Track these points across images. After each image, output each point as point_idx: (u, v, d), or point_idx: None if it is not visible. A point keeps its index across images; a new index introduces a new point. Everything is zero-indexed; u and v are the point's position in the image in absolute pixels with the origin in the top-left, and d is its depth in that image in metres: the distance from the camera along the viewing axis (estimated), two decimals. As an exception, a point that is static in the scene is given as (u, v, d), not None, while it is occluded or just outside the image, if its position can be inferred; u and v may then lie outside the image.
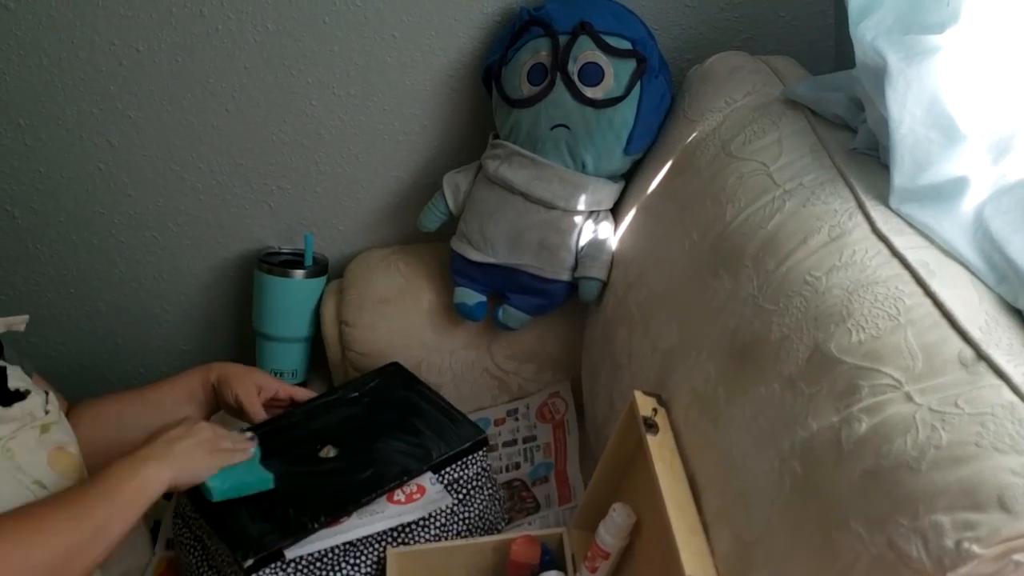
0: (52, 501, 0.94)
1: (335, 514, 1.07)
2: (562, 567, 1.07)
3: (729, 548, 0.83)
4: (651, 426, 0.96)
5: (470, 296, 1.38)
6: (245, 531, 1.03)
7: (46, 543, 0.88)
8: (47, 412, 1.05)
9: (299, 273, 1.48)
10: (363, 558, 1.07)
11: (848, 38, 1.00)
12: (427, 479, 1.13)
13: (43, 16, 1.33)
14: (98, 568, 1.03)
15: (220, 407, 1.23)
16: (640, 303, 1.17)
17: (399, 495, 1.11)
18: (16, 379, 1.05)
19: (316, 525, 1.05)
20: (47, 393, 1.08)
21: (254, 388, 1.21)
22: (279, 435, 1.18)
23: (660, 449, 0.94)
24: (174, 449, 1.01)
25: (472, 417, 1.40)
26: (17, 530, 0.88)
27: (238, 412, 1.21)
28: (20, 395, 1.03)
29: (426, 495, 1.11)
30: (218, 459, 1.05)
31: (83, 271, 1.55)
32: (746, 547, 0.80)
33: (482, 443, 1.18)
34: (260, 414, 1.20)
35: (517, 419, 1.42)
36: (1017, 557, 0.60)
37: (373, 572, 1.07)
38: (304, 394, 1.26)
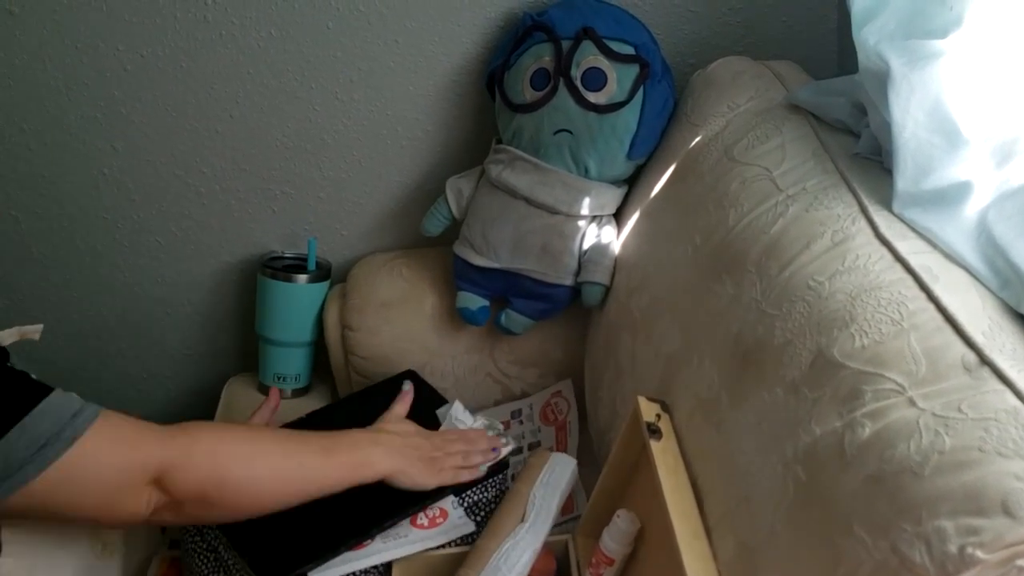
0: (279, 432, 1.01)
1: (359, 538, 1.06)
2: (567, 575, 1.07)
3: (732, 553, 0.83)
4: (655, 431, 0.96)
5: (473, 300, 1.38)
6: (268, 550, 1.03)
7: (253, 455, 0.95)
8: None
9: (302, 278, 1.49)
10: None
11: (851, 43, 1.00)
12: (449, 503, 1.13)
13: (47, 21, 1.33)
14: (106, 548, 1.05)
15: None
16: (643, 308, 1.17)
17: (422, 519, 1.10)
18: None
19: (342, 548, 1.04)
20: None
21: None
22: None
23: (664, 455, 0.93)
24: (407, 452, 1.06)
25: (475, 419, 1.41)
26: (238, 436, 0.96)
27: None
28: None
29: (448, 520, 1.11)
30: (439, 480, 1.08)
31: (86, 276, 1.56)
32: (749, 552, 0.80)
33: (503, 467, 1.18)
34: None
35: (521, 422, 1.42)
36: (1021, 562, 0.60)
37: None
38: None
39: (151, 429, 0.90)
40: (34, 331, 1.11)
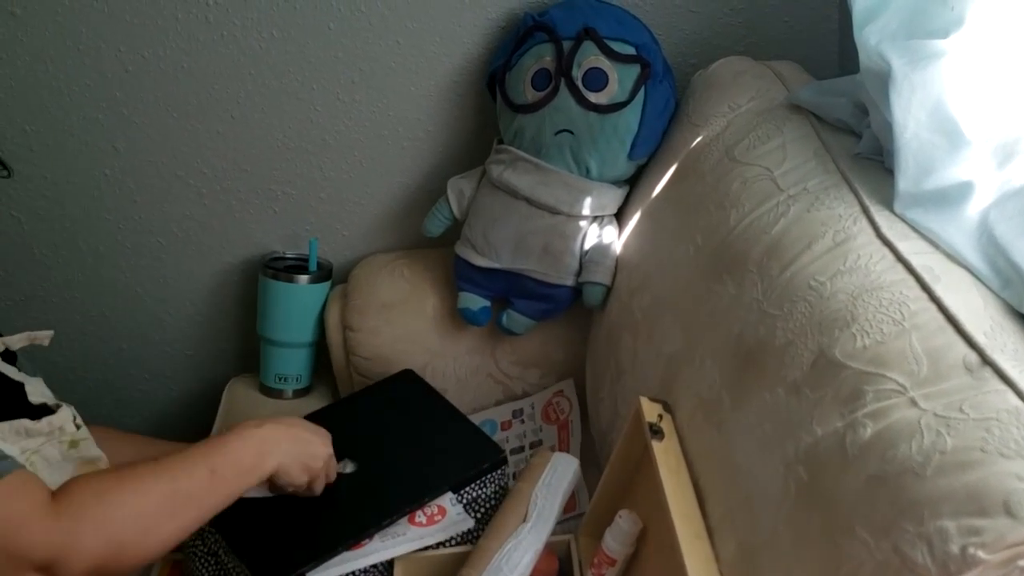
0: (159, 465, 0.93)
1: (357, 537, 1.06)
2: (570, 575, 1.07)
3: (734, 554, 0.83)
4: (657, 432, 0.96)
5: (474, 301, 1.38)
6: (267, 553, 1.03)
7: (142, 508, 0.88)
8: (78, 427, 1.03)
9: (304, 278, 1.49)
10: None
11: (852, 43, 1.00)
12: (447, 500, 1.12)
13: (49, 22, 1.33)
14: None
15: None
16: (644, 308, 1.17)
17: (420, 516, 1.10)
18: (39, 394, 1.03)
19: (340, 548, 1.04)
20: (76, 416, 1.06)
21: None
22: None
23: (666, 455, 0.93)
24: (292, 445, 1.01)
25: (478, 419, 1.41)
26: (123, 490, 0.88)
27: None
28: (49, 409, 1.01)
29: (447, 517, 1.11)
30: (303, 481, 1.04)
31: (88, 276, 1.56)
32: (751, 553, 0.80)
33: (501, 462, 1.18)
34: None
35: (523, 421, 1.42)
36: (1023, 563, 0.60)
37: None
38: None
39: (44, 510, 0.82)
40: (44, 336, 1.09)
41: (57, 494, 0.84)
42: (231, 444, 0.97)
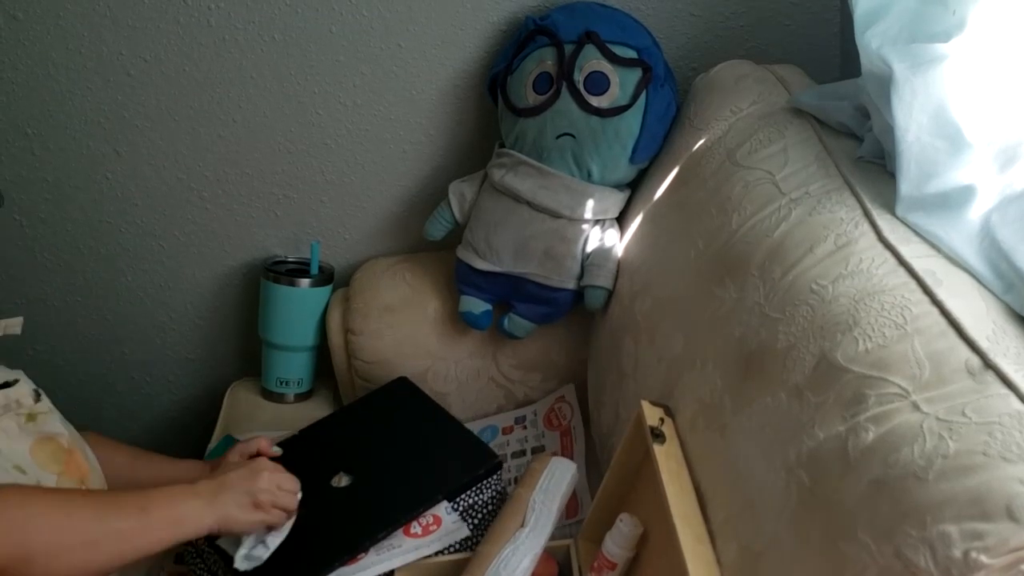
0: (91, 493, 0.93)
1: (353, 552, 1.06)
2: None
3: (736, 558, 0.83)
4: (658, 436, 0.95)
5: (476, 305, 1.38)
6: (264, 571, 1.02)
7: (62, 525, 0.86)
8: (38, 401, 1.03)
9: (305, 282, 1.49)
10: None
11: (854, 46, 1.00)
12: (443, 509, 1.12)
13: (51, 26, 1.34)
14: None
15: None
16: (646, 312, 1.16)
17: (415, 527, 1.10)
18: (2, 374, 1.04)
19: (336, 564, 1.04)
20: (38, 392, 1.06)
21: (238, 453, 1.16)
22: (291, 460, 1.18)
23: (667, 459, 0.93)
24: (224, 497, 0.98)
25: (479, 425, 1.41)
26: (48, 504, 0.87)
27: None
28: (5, 384, 1.02)
29: (443, 526, 1.11)
30: (260, 517, 1.02)
31: (90, 280, 1.56)
32: (753, 557, 0.80)
33: (496, 468, 1.18)
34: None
35: (525, 427, 1.42)
36: (1026, 567, 0.59)
37: None
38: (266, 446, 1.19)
39: None
40: (15, 324, 1.09)
41: None
42: (169, 493, 0.96)
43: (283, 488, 1.04)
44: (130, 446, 1.17)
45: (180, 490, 0.97)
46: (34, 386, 1.06)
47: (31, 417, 1.02)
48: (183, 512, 0.95)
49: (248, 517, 1.01)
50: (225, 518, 0.98)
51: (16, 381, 1.03)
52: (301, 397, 1.55)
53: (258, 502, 1.01)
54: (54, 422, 1.04)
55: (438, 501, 1.12)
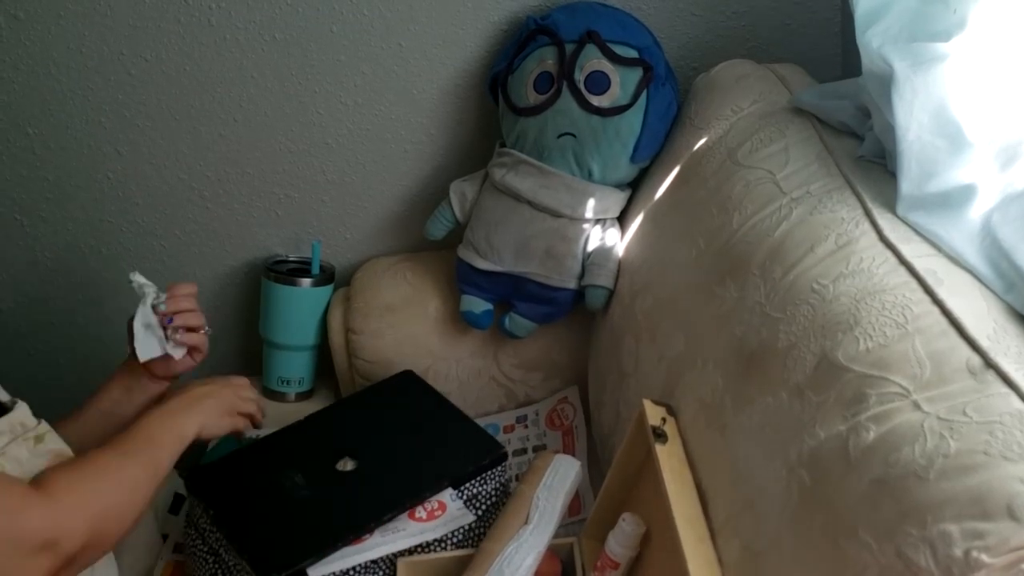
0: (102, 451, 0.97)
1: (358, 532, 1.06)
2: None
3: (737, 557, 0.83)
4: (660, 435, 0.96)
5: (476, 304, 1.38)
6: (267, 548, 1.03)
7: (108, 488, 0.94)
8: (38, 421, 1.02)
9: (306, 281, 1.49)
10: (382, 574, 1.06)
11: (854, 45, 1.00)
12: (448, 495, 1.13)
13: (52, 26, 1.34)
14: (111, 560, 1.04)
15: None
16: (646, 311, 1.17)
17: (420, 512, 1.11)
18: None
19: (340, 543, 1.04)
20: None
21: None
22: (295, 444, 1.18)
23: (669, 458, 0.93)
24: (202, 404, 1.07)
25: (481, 423, 1.40)
26: (89, 473, 0.94)
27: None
28: (4, 408, 1.01)
29: (447, 512, 1.11)
30: (234, 422, 1.11)
31: (91, 279, 1.56)
32: (754, 556, 0.80)
33: (502, 458, 1.18)
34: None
35: (527, 426, 1.42)
36: (1027, 566, 0.59)
37: None
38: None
39: (34, 498, 0.88)
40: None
41: (37, 483, 0.90)
42: (160, 418, 1.04)
43: (244, 396, 1.14)
44: (74, 414, 1.17)
45: (159, 418, 1.04)
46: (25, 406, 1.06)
47: (39, 439, 1.01)
48: (179, 431, 1.04)
49: (225, 421, 1.10)
50: (205, 423, 1.07)
51: (15, 403, 1.03)
52: (302, 396, 1.55)
53: (227, 410, 1.11)
54: (56, 438, 1.04)
55: (443, 487, 1.12)
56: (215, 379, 1.14)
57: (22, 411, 1.02)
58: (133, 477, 0.96)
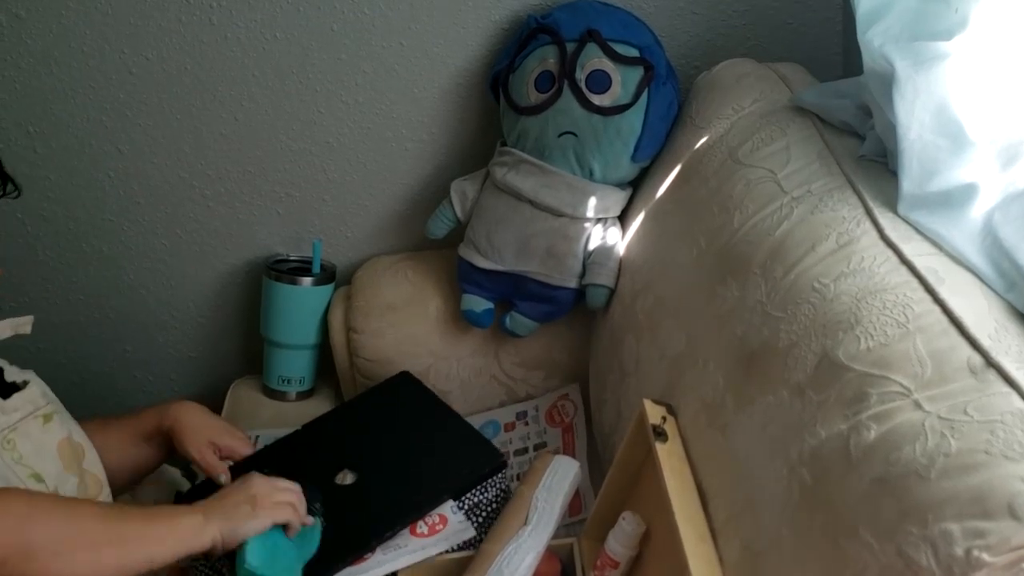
0: (97, 502, 0.96)
1: (359, 552, 1.06)
2: (572, 577, 1.07)
3: (738, 557, 0.83)
4: (660, 434, 0.96)
5: (477, 303, 1.38)
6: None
7: (65, 524, 0.87)
8: (47, 402, 1.04)
9: (307, 280, 1.49)
10: None
11: (855, 45, 1.00)
12: (448, 508, 1.12)
13: (53, 25, 1.34)
14: None
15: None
16: (647, 310, 1.17)
17: (421, 527, 1.10)
18: (13, 374, 1.05)
19: (342, 564, 1.04)
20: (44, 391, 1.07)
21: (208, 446, 1.16)
22: (294, 458, 1.17)
23: (669, 457, 0.93)
24: (223, 504, 0.98)
25: (481, 420, 1.41)
26: (52, 504, 0.90)
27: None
28: (18, 387, 1.02)
29: (449, 526, 1.10)
30: (266, 516, 0.99)
31: (92, 278, 1.56)
32: (755, 556, 0.80)
33: (502, 466, 1.17)
34: (217, 468, 1.15)
35: (527, 423, 1.42)
36: (1027, 566, 0.59)
37: None
38: (247, 449, 1.20)
39: None
40: (25, 323, 1.09)
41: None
42: (172, 507, 1.01)
43: (278, 487, 1.03)
44: (105, 420, 1.17)
45: (182, 507, 0.99)
46: (44, 385, 1.06)
47: (47, 417, 1.02)
48: (184, 522, 0.95)
49: (252, 519, 0.98)
50: (229, 528, 0.96)
51: (27, 383, 1.04)
52: (303, 395, 1.55)
53: (257, 502, 0.99)
54: (64, 419, 1.04)
55: (444, 500, 1.12)
56: (244, 476, 1.03)
57: (34, 390, 1.04)
58: (103, 535, 0.89)
